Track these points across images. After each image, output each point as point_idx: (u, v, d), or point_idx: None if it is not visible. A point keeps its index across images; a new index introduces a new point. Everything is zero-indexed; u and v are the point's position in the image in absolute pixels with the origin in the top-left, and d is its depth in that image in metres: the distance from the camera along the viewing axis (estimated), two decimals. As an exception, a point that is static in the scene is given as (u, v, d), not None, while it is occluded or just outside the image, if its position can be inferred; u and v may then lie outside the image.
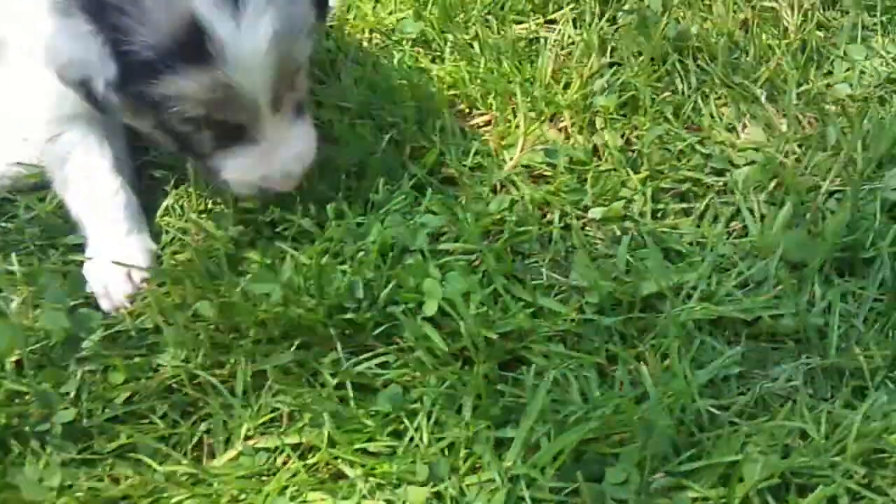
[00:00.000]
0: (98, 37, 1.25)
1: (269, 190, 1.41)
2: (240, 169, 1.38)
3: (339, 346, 1.31)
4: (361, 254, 1.40)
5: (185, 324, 1.34)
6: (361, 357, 1.32)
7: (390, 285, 1.34)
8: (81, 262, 1.47)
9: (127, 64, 1.26)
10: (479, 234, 1.43)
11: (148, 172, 1.61)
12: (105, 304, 1.41)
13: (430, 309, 1.32)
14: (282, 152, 1.38)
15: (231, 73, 1.26)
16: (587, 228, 1.51)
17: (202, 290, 1.37)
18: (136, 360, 1.34)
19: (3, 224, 1.53)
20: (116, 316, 1.40)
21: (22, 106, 1.50)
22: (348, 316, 1.32)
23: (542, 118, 1.66)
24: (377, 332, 1.33)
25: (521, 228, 1.47)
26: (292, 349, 1.32)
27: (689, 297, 1.37)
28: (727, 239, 1.48)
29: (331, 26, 1.81)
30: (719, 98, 1.72)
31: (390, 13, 1.86)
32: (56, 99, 1.45)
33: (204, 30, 1.24)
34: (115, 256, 1.42)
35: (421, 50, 1.79)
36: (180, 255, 1.48)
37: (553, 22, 1.87)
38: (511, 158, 1.60)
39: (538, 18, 1.87)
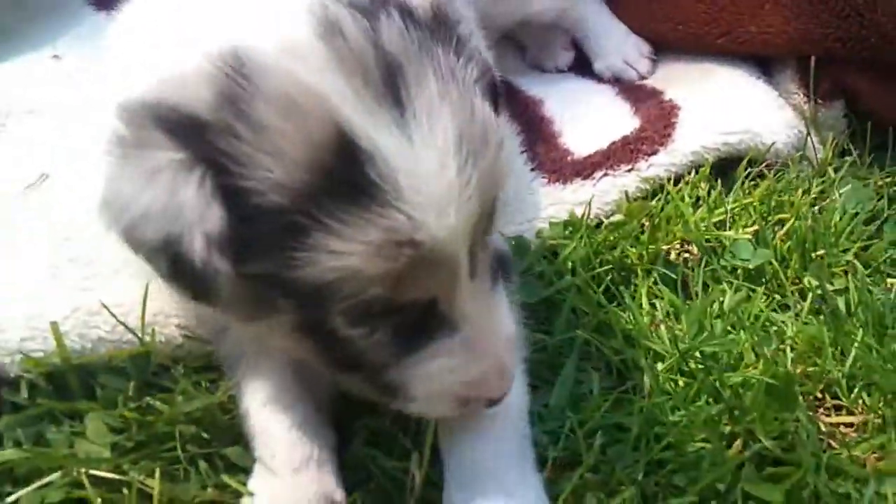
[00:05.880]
0: (195, 167, 0.77)
1: (473, 403, 0.90)
2: (438, 376, 0.87)
3: None
4: None
5: None
6: None
7: None
8: (238, 495, 0.99)
9: (244, 217, 0.77)
10: None
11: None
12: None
13: None
14: (491, 339, 0.87)
15: (412, 210, 0.77)
16: None
17: None
18: None
19: (152, 402, 1.07)
20: None
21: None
22: None
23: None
24: None
25: None
26: None
27: None
28: None
29: (641, 224, 1.32)
30: None
31: (718, 224, 1.35)
32: None
33: (359, 146, 0.76)
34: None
35: (759, 290, 1.26)
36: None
37: (939, 289, 1.31)
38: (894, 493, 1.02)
39: (915, 276, 1.32)
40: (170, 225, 0.77)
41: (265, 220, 0.77)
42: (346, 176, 0.75)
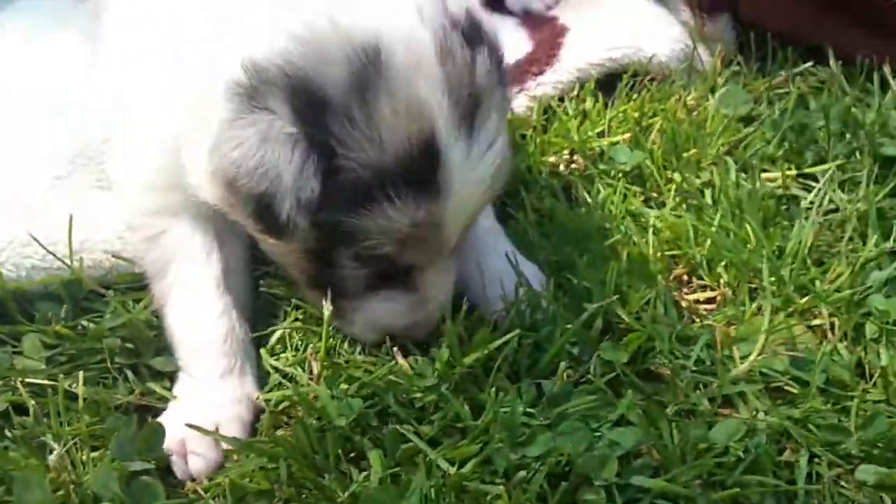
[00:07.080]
0: (302, 145, 0.94)
1: (400, 335, 1.13)
2: (389, 314, 1.12)
3: None
4: (521, 473, 0.98)
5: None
6: None
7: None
8: (163, 399, 1.13)
9: (332, 185, 0.96)
10: (695, 472, 1.00)
11: (267, 287, 1.27)
12: (178, 472, 1.06)
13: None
14: (434, 300, 1.12)
15: (448, 209, 1.01)
16: (844, 488, 1.04)
17: (297, 484, 0.99)
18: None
19: (84, 323, 1.21)
20: (190, 495, 1.04)
21: (124, 186, 1.21)
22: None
23: (790, 310, 1.21)
24: None
25: (752, 476, 1.01)
26: None
27: None
28: None
29: (522, 136, 1.45)
30: None
31: (600, 134, 1.47)
32: (162, 182, 1.14)
33: (439, 155, 0.97)
34: (200, 407, 1.09)
35: (635, 188, 1.39)
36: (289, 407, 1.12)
37: (809, 178, 1.43)
38: (742, 360, 1.15)
39: (789, 168, 1.43)
40: (269, 184, 0.94)
41: (349, 188, 0.96)
42: (421, 171, 0.97)
